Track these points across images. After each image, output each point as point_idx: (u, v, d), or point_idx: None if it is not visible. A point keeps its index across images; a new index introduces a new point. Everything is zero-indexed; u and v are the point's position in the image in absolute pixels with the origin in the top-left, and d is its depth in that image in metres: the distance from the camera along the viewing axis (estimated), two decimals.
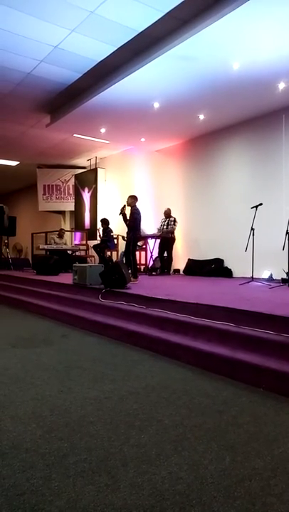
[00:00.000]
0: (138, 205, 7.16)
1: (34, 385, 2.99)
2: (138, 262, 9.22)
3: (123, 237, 9.83)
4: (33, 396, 2.75)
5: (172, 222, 9.16)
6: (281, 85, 6.45)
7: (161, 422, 2.33)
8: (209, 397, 2.72)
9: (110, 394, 2.77)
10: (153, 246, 9.53)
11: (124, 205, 7.11)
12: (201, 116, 7.92)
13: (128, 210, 7.12)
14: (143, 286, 6.14)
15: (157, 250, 9.42)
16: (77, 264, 6.54)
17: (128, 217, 7.04)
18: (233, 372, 3.07)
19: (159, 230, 9.31)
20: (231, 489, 1.67)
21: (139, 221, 7.11)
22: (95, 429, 2.24)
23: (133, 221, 6.99)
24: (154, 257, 9.62)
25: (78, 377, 3.16)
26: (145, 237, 9.26)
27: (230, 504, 1.57)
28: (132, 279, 6.60)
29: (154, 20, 5.23)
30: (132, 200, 7.09)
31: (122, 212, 7.05)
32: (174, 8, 4.95)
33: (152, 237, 9.34)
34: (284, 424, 2.31)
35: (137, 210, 7.06)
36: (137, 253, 9.15)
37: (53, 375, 3.20)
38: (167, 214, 9.29)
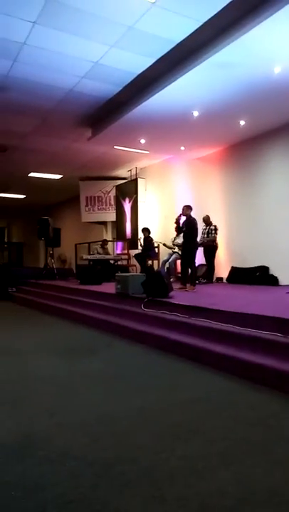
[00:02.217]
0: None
1: (80, 393, 3.04)
2: (179, 270, 9.21)
3: (164, 244, 9.88)
4: (80, 405, 2.79)
5: (213, 231, 9.06)
6: None
7: (207, 434, 2.29)
8: (256, 410, 2.64)
9: (155, 404, 2.77)
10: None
11: (180, 215, 7.23)
12: (242, 122, 7.82)
13: (182, 219, 7.29)
14: (186, 295, 6.09)
15: (200, 258, 9.33)
16: (119, 274, 6.61)
17: (183, 226, 7.16)
18: (282, 385, 2.96)
19: (201, 238, 9.24)
20: (282, 507, 1.61)
21: (197, 230, 7.22)
22: (141, 439, 2.24)
23: (193, 230, 7.07)
24: (196, 265, 9.52)
25: (123, 386, 3.19)
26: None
27: None
28: (190, 286, 6.84)
29: (192, 31, 5.26)
30: (188, 210, 7.15)
31: (177, 221, 7.26)
32: (212, 17, 4.95)
33: None
34: None
35: (195, 220, 7.14)
36: (179, 261, 9.13)
37: (98, 384, 3.24)
38: (206, 221, 9.20)
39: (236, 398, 2.87)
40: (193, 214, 7.17)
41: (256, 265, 8.41)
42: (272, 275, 8.14)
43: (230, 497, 1.68)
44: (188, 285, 6.87)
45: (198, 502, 1.65)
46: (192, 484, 1.78)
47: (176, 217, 7.39)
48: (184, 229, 7.11)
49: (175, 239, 9.65)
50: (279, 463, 1.95)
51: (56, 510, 1.62)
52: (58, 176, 13.03)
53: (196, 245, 7.43)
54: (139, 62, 6.03)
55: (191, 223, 7.03)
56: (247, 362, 3.31)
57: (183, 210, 7.19)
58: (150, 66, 6.17)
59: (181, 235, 7.52)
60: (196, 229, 7.10)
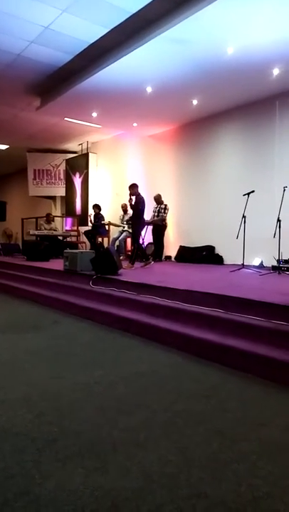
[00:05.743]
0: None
1: (24, 370, 2.99)
2: (129, 249, 9.23)
3: (109, 222, 9.83)
4: (23, 381, 2.75)
5: (163, 210, 9.13)
6: (275, 71, 6.39)
7: (150, 406, 2.36)
8: (198, 382, 2.76)
9: (100, 379, 2.79)
10: (145, 233, 9.50)
11: (131, 198, 6.98)
12: (195, 101, 7.84)
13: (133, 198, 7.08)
14: (135, 272, 6.14)
15: (149, 237, 9.41)
16: (68, 251, 6.51)
17: (134, 206, 7.00)
18: (223, 358, 3.11)
19: (151, 217, 9.29)
20: (218, 472, 1.71)
21: (144, 209, 7.08)
22: (85, 413, 2.26)
23: (139, 209, 6.94)
24: (145, 244, 9.60)
25: (68, 362, 3.18)
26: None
27: (217, 486, 1.61)
28: (129, 265, 6.70)
29: (148, 2, 5.12)
30: (135, 189, 6.97)
31: (131, 204, 6.99)
32: None
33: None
34: (270, 409, 2.36)
35: (143, 198, 7.00)
36: (129, 240, 9.16)
37: (43, 361, 3.20)
38: (157, 200, 9.25)
39: (180, 372, 2.97)
40: (143, 192, 7.13)
41: (203, 245, 8.64)
42: (217, 254, 8.42)
43: (171, 465, 1.76)
44: (127, 263, 6.81)
45: (140, 471, 1.71)
46: (134, 454, 1.83)
47: (128, 199, 7.07)
48: (134, 210, 7.00)
49: (124, 217, 9.65)
50: (217, 432, 2.06)
51: None
52: (3, 146, 12.39)
53: (142, 224, 7.36)
54: (92, 30, 5.80)
55: (138, 204, 6.95)
56: (191, 337, 3.42)
57: (130, 190, 7.00)
58: (103, 36, 5.95)
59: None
60: (143, 208, 7.03)
